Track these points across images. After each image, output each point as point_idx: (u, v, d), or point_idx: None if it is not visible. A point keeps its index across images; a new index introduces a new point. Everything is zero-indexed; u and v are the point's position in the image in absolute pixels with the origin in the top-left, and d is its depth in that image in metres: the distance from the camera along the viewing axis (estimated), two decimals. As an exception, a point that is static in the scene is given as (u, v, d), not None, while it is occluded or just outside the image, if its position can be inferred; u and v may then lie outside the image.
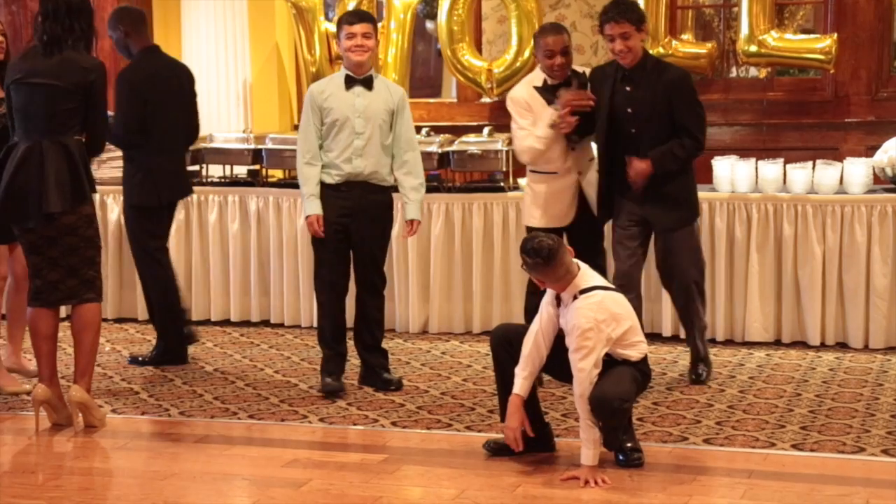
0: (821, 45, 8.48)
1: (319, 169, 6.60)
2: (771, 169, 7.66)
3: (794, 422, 5.97)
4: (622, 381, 5.18)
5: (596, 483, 5.04)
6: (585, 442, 5.10)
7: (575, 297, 5.13)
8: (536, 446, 5.34)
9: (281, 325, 8.37)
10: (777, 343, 7.65)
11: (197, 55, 9.86)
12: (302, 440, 5.89)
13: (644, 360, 5.38)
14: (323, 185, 6.60)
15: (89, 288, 6.08)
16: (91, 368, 6.17)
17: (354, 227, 6.60)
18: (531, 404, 5.36)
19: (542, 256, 5.04)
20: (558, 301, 5.22)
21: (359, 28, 6.46)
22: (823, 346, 7.54)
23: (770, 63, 8.82)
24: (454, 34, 9.09)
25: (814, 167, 7.65)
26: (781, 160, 7.74)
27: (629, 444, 5.33)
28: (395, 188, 6.81)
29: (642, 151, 6.39)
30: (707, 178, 7.88)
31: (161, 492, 5.11)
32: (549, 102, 6.50)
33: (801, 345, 7.59)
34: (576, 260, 5.23)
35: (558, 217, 6.62)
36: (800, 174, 7.62)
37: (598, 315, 5.10)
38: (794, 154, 8.12)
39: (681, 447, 5.62)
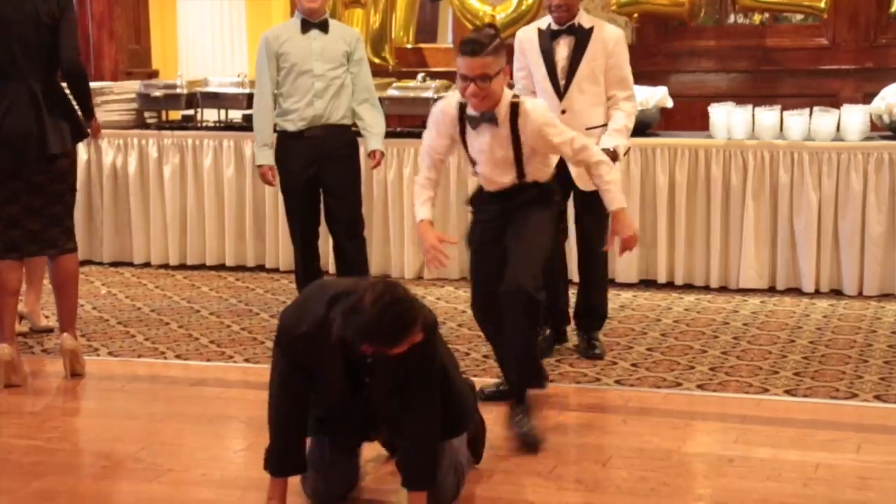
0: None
1: (273, 118, 6.65)
2: (768, 116, 7.65)
3: (787, 368, 6.00)
4: (532, 260, 5.00)
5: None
6: (611, 185, 5.05)
7: (515, 106, 4.90)
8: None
9: (276, 270, 8.39)
10: (771, 290, 7.67)
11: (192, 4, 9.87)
12: (298, 384, 5.92)
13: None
14: (286, 133, 6.63)
15: (69, 237, 6.00)
16: (75, 317, 6.15)
17: (325, 172, 6.64)
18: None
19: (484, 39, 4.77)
20: (466, 121, 4.98)
21: None
22: (818, 293, 7.56)
23: (766, 9, 8.81)
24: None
25: (811, 114, 7.63)
26: (778, 107, 7.73)
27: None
28: (356, 130, 6.83)
29: None
30: (703, 125, 7.89)
31: (158, 434, 5.15)
32: (547, 50, 6.02)
33: (796, 291, 7.62)
34: None
35: None
36: (797, 121, 7.60)
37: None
38: (791, 101, 8.09)
39: (675, 392, 5.66)
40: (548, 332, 6.21)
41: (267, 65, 6.62)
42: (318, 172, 6.60)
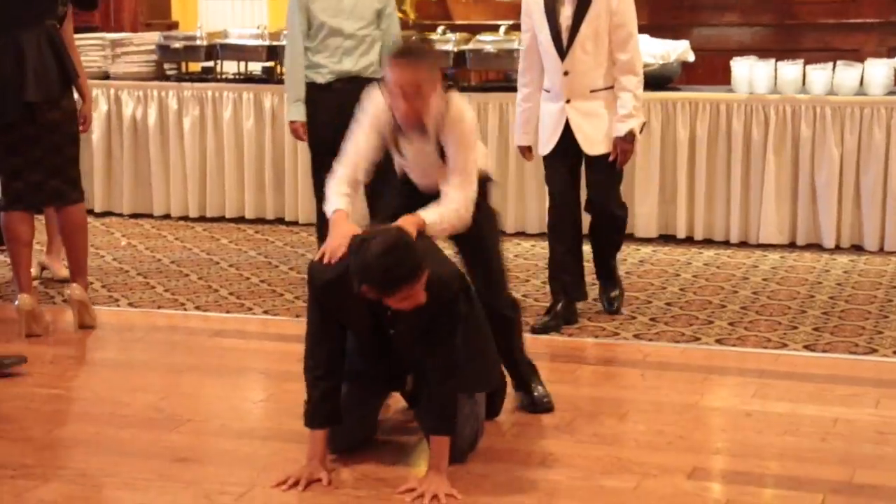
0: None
1: (304, 73, 6.50)
2: (790, 70, 7.61)
3: (806, 323, 6.01)
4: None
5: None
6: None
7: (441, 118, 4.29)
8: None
9: (295, 223, 8.40)
10: (791, 245, 7.66)
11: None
12: (317, 336, 5.94)
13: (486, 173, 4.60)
14: (314, 85, 6.49)
15: (74, 187, 5.96)
16: (86, 268, 6.16)
17: None
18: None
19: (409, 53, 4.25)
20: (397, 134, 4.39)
21: None
22: (838, 248, 7.54)
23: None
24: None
25: (834, 68, 7.58)
26: (801, 61, 7.69)
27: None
28: None
29: None
30: (725, 79, 7.86)
31: (177, 384, 5.20)
32: (551, 10, 5.68)
33: (816, 247, 7.60)
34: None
35: (542, 142, 5.98)
36: (819, 75, 7.55)
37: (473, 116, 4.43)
38: (815, 55, 8.04)
39: (693, 347, 5.67)
40: (559, 307, 5.96)
41: (298, 18, 6.48)
42: (348, 124, 6.54)
